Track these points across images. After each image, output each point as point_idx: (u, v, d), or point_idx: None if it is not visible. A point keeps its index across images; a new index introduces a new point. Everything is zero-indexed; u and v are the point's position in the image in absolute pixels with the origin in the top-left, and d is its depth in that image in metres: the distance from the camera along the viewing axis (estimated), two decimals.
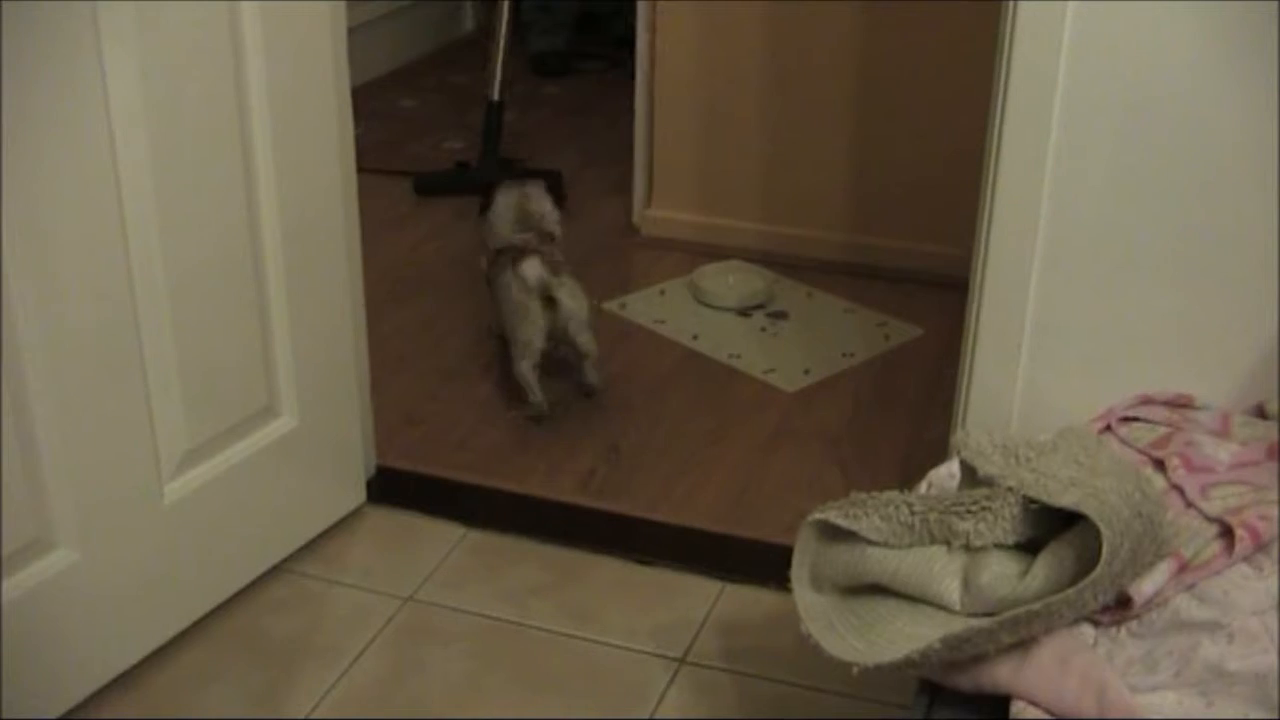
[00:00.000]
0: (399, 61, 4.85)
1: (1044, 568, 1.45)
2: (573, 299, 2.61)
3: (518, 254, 2.63)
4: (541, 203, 2.80)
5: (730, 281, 3.19)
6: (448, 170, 3.81)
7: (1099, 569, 1.38)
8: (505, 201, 2.80)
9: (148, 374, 1.91)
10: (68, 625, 1.88)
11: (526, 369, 2.63)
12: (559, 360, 2.74)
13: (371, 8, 4.55)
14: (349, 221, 2.25)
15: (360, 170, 2.29)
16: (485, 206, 2.81)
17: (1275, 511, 1.57)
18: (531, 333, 2.60)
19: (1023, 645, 1.45)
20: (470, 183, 3.68)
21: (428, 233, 3.49)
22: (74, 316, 1.78)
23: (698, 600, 2.20)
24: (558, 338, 2.64)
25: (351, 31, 2.20)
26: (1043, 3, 1.80)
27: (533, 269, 2.58)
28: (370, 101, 4.17)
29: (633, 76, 3.45)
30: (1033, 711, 1.42)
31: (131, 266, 1.84)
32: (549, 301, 2.59)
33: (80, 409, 1.82)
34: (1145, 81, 1.81)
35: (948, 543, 1.51)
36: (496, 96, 3.69)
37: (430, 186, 3.75)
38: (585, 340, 2.67)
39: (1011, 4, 1.83)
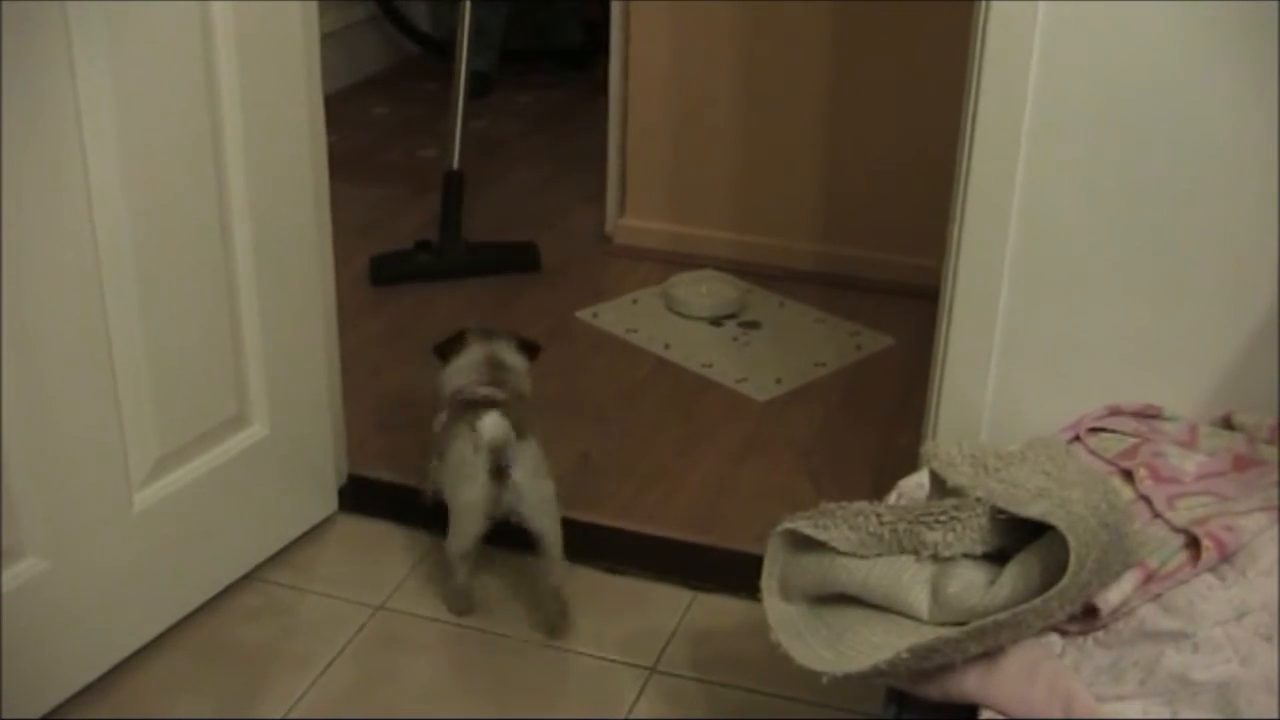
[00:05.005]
0: (372, 69, 4.85)
1: (1011, 578, 1.46)
2: (531, 475, 2.09)
3: (479, 406, 2.11)
4: (515, 357, 2.36)
5: (703, 291, 3.20)
6: (407, 251, 3.32)
7: (1066, 579, 1.39)
8: (475, 353, 2.33)
9: (117, 381, 1.90)
10: (37, 634, 1.87)
11: (454, 547, 2.14)
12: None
13: (344, 15, 4.55)
14: (321, 229, 2.25)
15: (332, 178, 2.28)
16: (444, 353, 2.35)
17: (1241, 522, 1.58)
18: (470, 499, 2.09)
19: (990, 655, 1.46)
20: (431, 271, 3.29)
21: (400, 241, 3.48)
22: (43, 324, 1.77)
23: (668, 609, 2.21)
24: (505, 517, 2.12)
25: (324, 39, 2.20)
26: (1012, 14, 1.82)
27: (492, 426, 2.03)
28: (343, 109, 4.16)
29: (601, 90, 3.46)
30: None
31: (102, 274, 1.84)
32: (499, 473, 2.06)
33: (49, 417, 1.81)
34: (1115, 96, 1.83)
35: (916, 553, 1.52)
36: (456, 165, 3.33)
37: (388, 274, 3.27)
38: (543, 526, 2.13)
39: (982, 10, 1.85)
